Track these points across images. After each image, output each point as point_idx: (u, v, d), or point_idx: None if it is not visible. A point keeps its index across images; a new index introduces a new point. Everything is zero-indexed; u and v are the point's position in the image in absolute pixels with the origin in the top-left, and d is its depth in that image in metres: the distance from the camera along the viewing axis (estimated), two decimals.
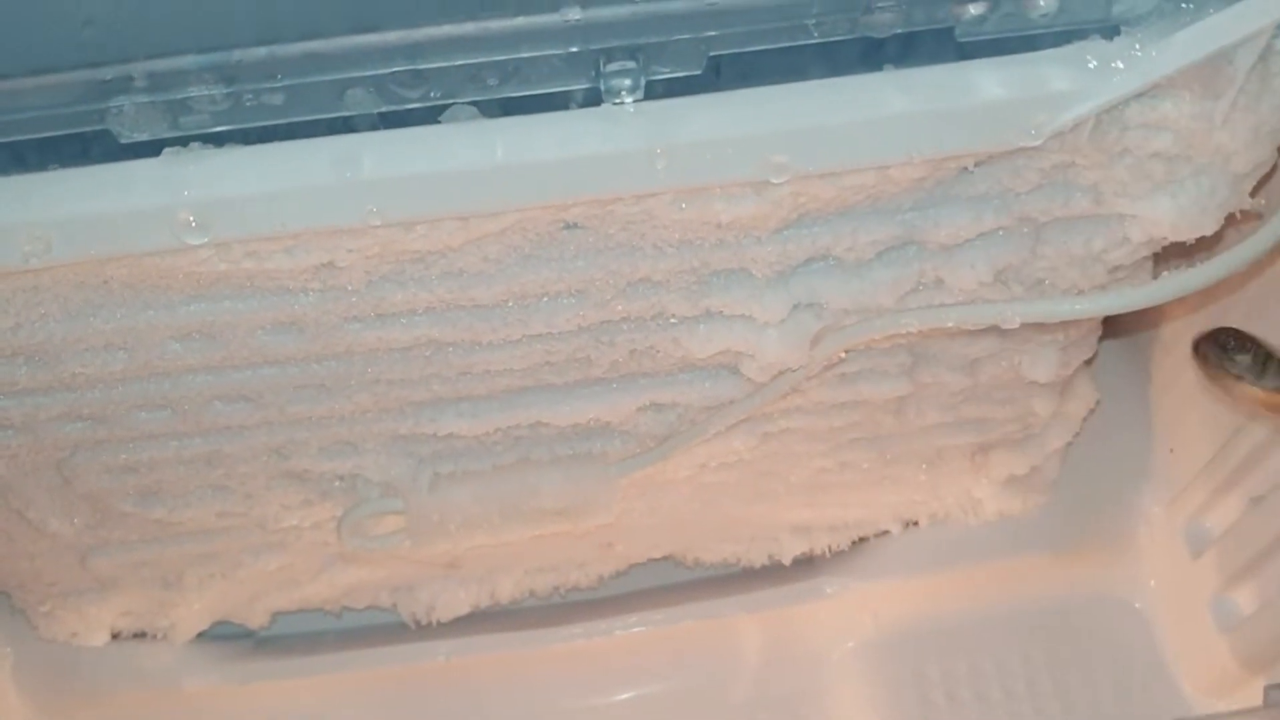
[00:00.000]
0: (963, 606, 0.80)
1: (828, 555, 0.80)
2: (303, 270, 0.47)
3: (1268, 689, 0.58)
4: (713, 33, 0.41)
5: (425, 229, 0.45)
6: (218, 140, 0.42)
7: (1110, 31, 0.43)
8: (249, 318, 0.50)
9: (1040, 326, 0.59)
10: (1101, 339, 0.66)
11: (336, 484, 0.65)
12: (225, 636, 0.81)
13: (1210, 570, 0.74)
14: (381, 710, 0.80)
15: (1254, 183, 0.50)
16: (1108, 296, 0.49)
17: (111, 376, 0.52)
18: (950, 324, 0.51)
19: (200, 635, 0.79)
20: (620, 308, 0.52)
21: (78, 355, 0.51)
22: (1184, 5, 0.42)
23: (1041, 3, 0.42)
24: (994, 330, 0.59)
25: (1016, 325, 0.51)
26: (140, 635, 0.78)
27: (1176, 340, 0.76)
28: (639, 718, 0.79)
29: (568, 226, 0.47)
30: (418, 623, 0.80)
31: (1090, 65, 0.42)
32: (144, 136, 0.42)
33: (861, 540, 0.81)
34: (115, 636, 0.78)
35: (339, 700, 0.80)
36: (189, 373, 0.54)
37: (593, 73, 0.42)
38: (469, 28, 0.40)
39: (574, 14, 0.40)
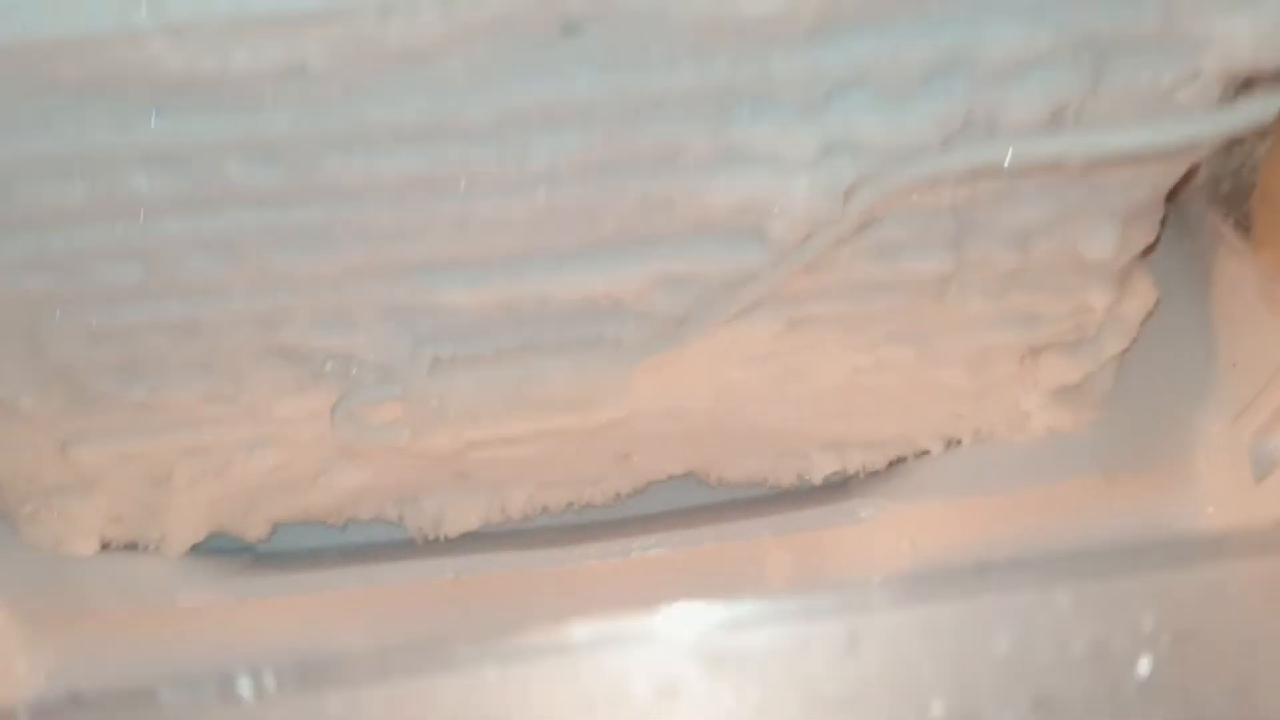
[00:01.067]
0: (1007, 531, 0.74)
1: (862, 475, 0.75)
2: (271, 73, 0.42)
3: None
4: None
5: (402, 18, 0.40)
6: None
7: None
8: (217, 140, 0.46)
9: (1100, 192, 0.54)
10: (1162, 225, 0.60)
11: (329, 366, 0.60)
12: (222, 550, 0.76)
13: (1275, 495, 0.67)
14: (384, 628, 0.75)
15: None
16: (1173, 123, 0.43)
17: (71, 213, 0.48)
18: (1005, 161, 0.46)
19: (196, 549, 0.75)
20: (631, 143, 0.47)
21: (30, 183, 0.46)
22: None
23: None
24: (1049, 193, 0.53)
25: (1078, 164, 0.45)
26: (131, 547, 0.74)
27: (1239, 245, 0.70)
28: None
29: (566, 29, 0.42)
30: (425, 537, 0.75)
31: None
32: None
33: (899, 460, 0.75)
34: (105, 548, 0.74)
35: (340, 617, 0.75)
36: (157, 214, 0.49)
37: None
38: None
39: None
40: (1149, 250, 0.62)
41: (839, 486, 0.75)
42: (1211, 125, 0.43)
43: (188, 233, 0.50)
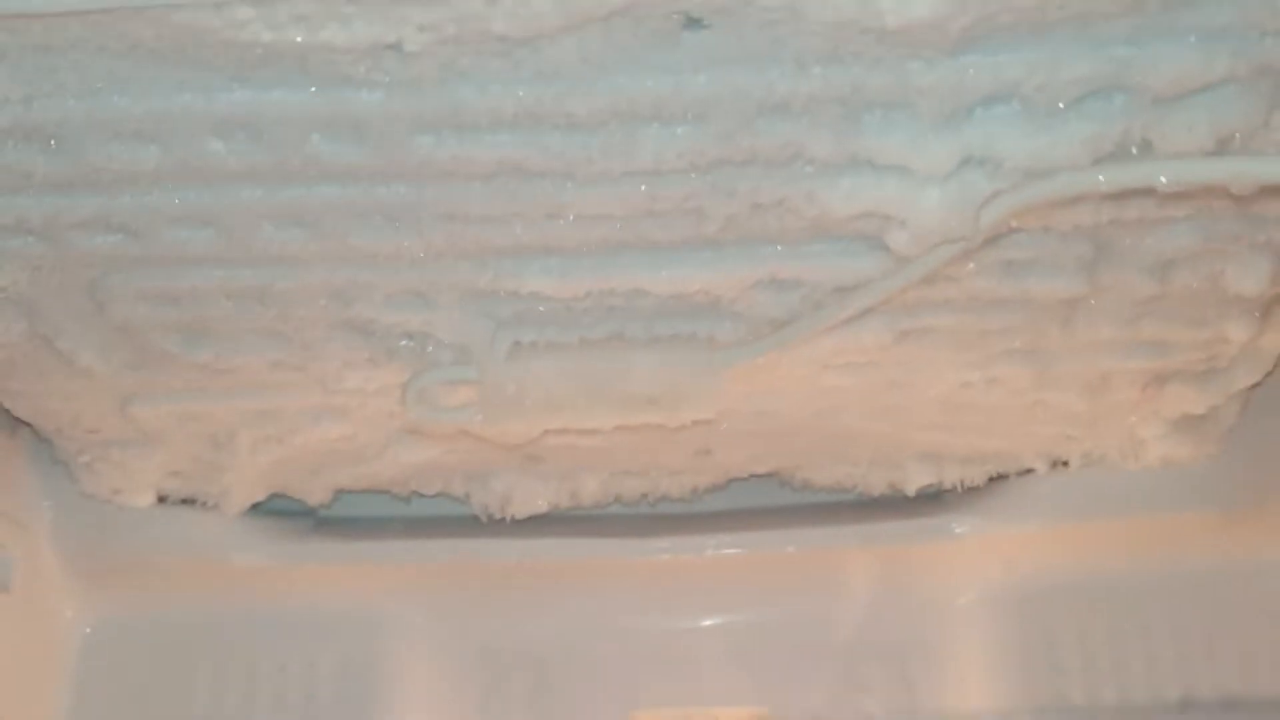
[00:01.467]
0: (1110, 563, 0.70)
1: (959, 490, 0.71)
2: (363, 51, 0.38)
3: None
4: None
5: (512, 3, 0.36)
6: None
7: None
8: (301, 114, 0.42)
9: (1255, 224, 0.49)
10: None
11: (404, 344, 0.57)
12: (282, 512, 0.74)
13: None
14: (440, 607, 0.73)
15: None
16: None
17: (143, 176, 0.45)
18: (1162, 182, 0.41)
19: (256, 508, 0.72)
20: (746, 143, 0.43)
21: (102, 144, 0.43)
22: None
23: None
24: (1200, 222, 0.48)
25: (1249, 190, 0.40)
26: (189, 502, 0.72)
27: None
28: (725, 648, 0.71)
29: (690, 22, 0.38)
30: (490, 517, 0.72)
31: None
32: None
33: (1000, 477, 0.71)
34: (162, 500, 0.72)
35: (396, 590, 0.73)
36: (233, 182, 0.46)
37: None
38: None
39: None
40: None
41: (933, 499, 0.72)
42: None
43: (263, 202, 0.47)
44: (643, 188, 0.46)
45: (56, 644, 0.72)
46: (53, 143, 0.43)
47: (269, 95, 0.41)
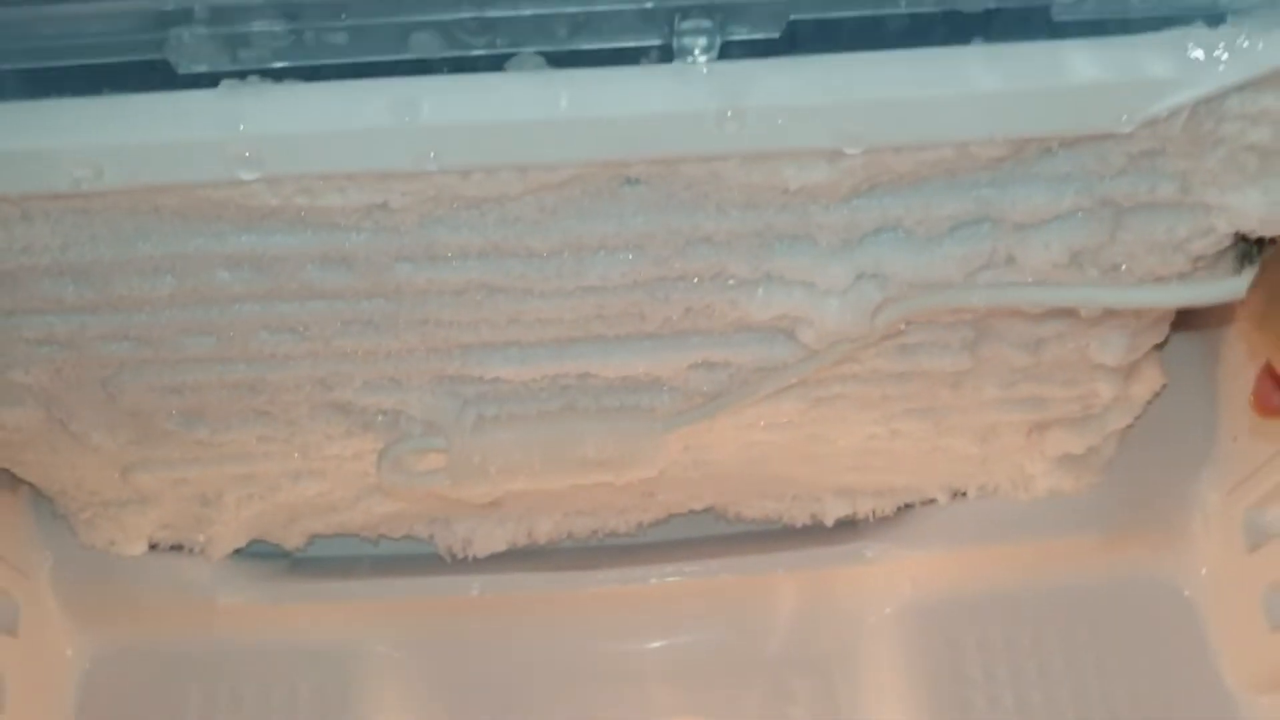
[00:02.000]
0: (1005, 581, 0.78)
1: (871, 519, 0.79)
2: (355, 209, 0.46)
3: None
4: None
5: (482, 177, 0.44)
6: (276, 76, 0.41)
7: (1215, 19, 0.40)
8: (299, 252, 0.49)
9: (1110, 314, 0.57)
10: (1173, 326, 0.64)
11: (379, 418, 0.64)
12: (261, 555, 0.81)
13: (1266, 564, 0.72)
14: (410, 639, 0.80)
15: None
16: (1188, 287, 0.47)
17: (158, 300, 0.52)
18: (1022, 304, 0.49)
19: (236, 552, 0.79)
20: (678, 265, 0.51)
21: (125, 278, 0.50)
22: None
23: None
24: (1064, 310, 0.57)
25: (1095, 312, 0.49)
26: (177, 548, 0.79)
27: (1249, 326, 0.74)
28: (669, 667, 0.79)
29: (629, 182, 0.46)
30: (453, 556, 0.79)
31: (1192, 53, 0.40)
32: (202, 68, 0.41)
33: (906, 507, 0.79)
34: (153, 547, 0.78)
35: (369, 626, 0.80)
36: (236, 301, 0.53)
37: (666, 29, 0.40)
38: None
39: None
40: (1159, 345, 0.65)
41: (848, 528, 0.80)
42: (1226, 290, 0.46)
43: (260, 316, 0.54)
44: (591, 299, 0.53)
45: (59, 681, 0.79)
46: (83, 278, 0.50)
47: (271, 239, 0.48)
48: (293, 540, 0.79)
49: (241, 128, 0.41)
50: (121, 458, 0.67)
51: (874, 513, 0.79)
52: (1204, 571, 0.77)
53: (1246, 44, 0.40)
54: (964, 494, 0.78)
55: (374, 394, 0.61)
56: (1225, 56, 0.40)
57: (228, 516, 0.74)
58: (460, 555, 0.79)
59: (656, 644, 0.79)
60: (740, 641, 0.79)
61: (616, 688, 0.79)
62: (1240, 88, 0.41)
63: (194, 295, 0.52)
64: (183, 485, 0.71)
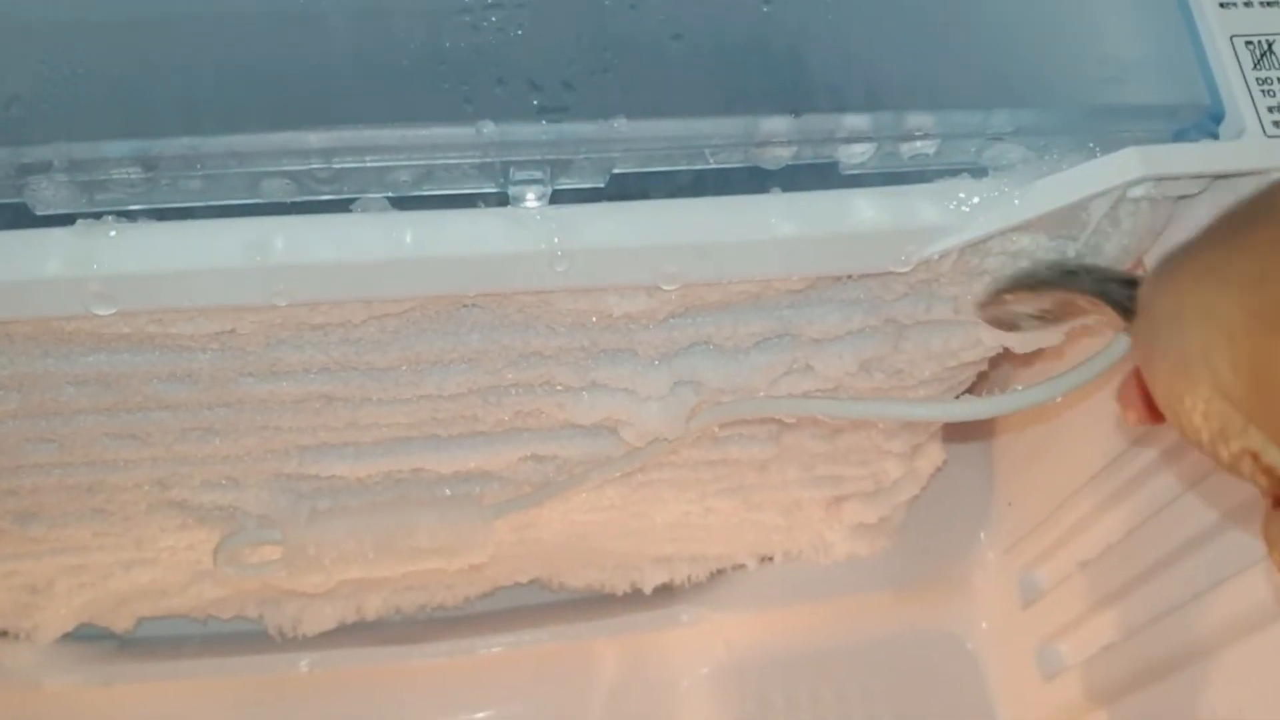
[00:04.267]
0: (809, 638, 0.85)
1: (686, 585, 0.85)
2: (204, 335, 0.48)
3: None
4: (617, 153, 0.44)
5: (329, 307, 0.47)
6: (131, 216, 0.43)
7: (979, 173, 0.47)
8: (145, 370, 0.51)
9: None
10: None
11: (215, 513, 0.66)
12: (89, 637, 0.81)
13: (1038, 620, 0.79)
14: (241, 716, 0.82)
15: None
16: (958, 405, 0.53)
17: (2, 414, 0.53)
18: (817, 415, 0.55)
19: (64, 635, 0.79)
20: (510, 376, 0.55)
21: None
22: (1048, 156, 0.46)
23: (920, 145, 0.46)
24: None
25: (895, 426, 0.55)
26: (1, 634, 0.79)
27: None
28: None
29: (466, 305, 0.49)
30: (282, 635, 0.81)
31: (958, 203, 0.46)
32: (59, 210, 0.43)
33: (719, 572, 0.85)
34: None
35: (199, 705, 0.82)
36: (80, 413, 0.54)
37: (502, 179, 0.44)
38: (387, 134, 0.42)
39: (488, 128, 0.42)
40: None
41: (665, 593, 0.85)
42: (989, 408, 0.52)
43: (103, 426, 0.55)
44: (427, 405, 0.57)
45: None
46: None
47: (119, 359, 0.50)
48: (121, 623, 0.80)
49: (95, 267, 0.43)
50: None
51: (689, 579, 0.84)
52: (984, 625, 0.84)
53: (1005, 195, 0.46)
54: (771, 559, 0.84)
55: (211, 492, 0.63)
56: (987, 206, 0.46)
57: (58, 604, 0.75)
58: (290, 634, 0.81)
59: (483, 714, 0.83)
60: (565, 707, 0.83)
61: None
62: (1001, 233, 0.47)
63: (39, 409, 0.53)
64: (13, 576, 0.71)
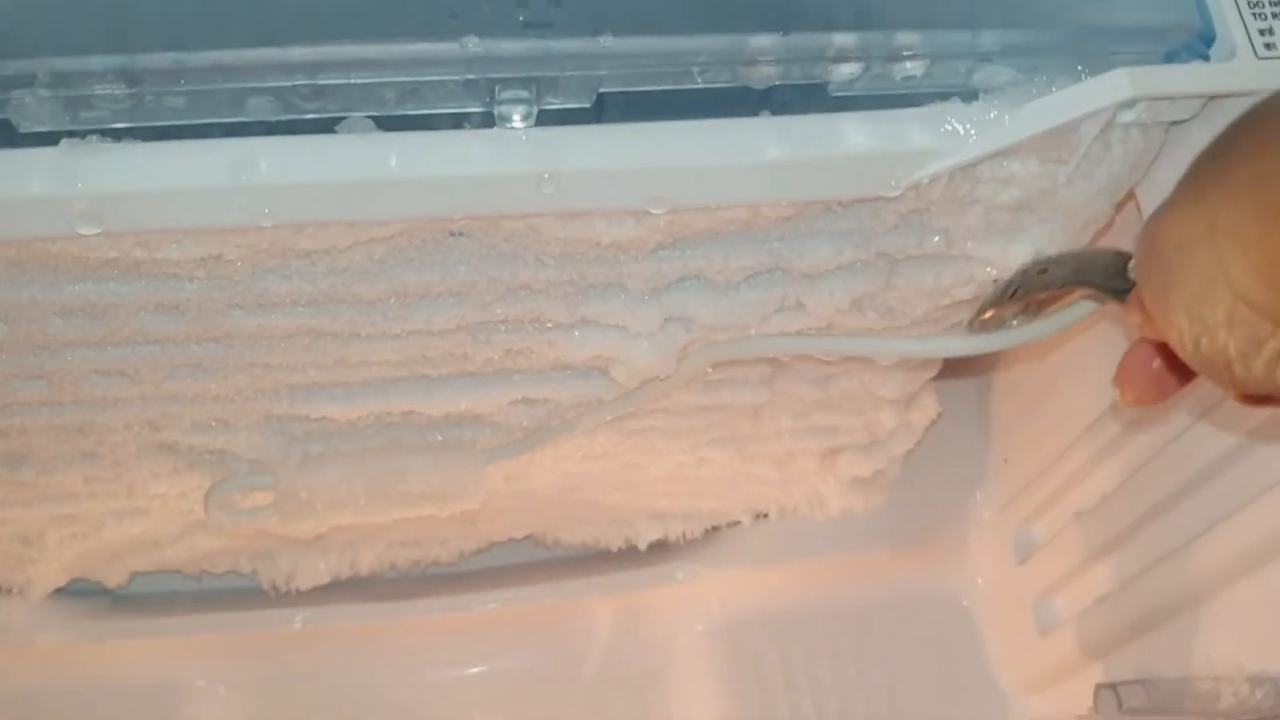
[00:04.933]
0: (804, 596, 0.84)
1: (681, 542, 0.84)
2: (190, 260, 0.48)
3: (1099, 688, 0.63)
4: (603, 71, 0.44)
5: (314, 230, 0.46)
6: (116, 135, 0.43)
7: (969, 96, 0.46)
8: (133, 300, 0.51)
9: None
10: (946, 364, 0.70)
11: (206, 457, 0.66)
12: (81, 593, 0.81)
13: (1034, 576, 0.79)
14: (234, 673, 0.82)
15: (1092, 235, 0.54)
16: (954, 340, 0.53)
17: None
18: (809, 353, 0.55)
19: (56, 591, 0.79)
20: (499, 311, 0.55)
21: None
22: (1037, 79, 0.46)
23: (909, 66, 0.45)
24: None
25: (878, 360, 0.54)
26: None
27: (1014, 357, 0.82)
28: (491, 691, 0.82)
29: (453, 234, 0.49)
30: (276, 590, 0.81)
31: (948, 126, 0.46)
32: (43, 128, 0.43)
33: (714, 529, 0.85)
34: None
35: (192, 661, 0.82)
36: (68, 347, 0.54)
37: (487, 98, 0.44)
38: (371, 49, 0.42)
39: (473, 44, 0.42)
40: (933, 377, 0.72)
41: (660, 550, 0.85)
42: (985, 343, 0.52)
43: (91, 361, 0.55)
44: (416, 342, 0.56)
45: None
46: None
47: (105, 287, 0.50)
48: (114, 578, 0.80)
49: (80, 186, 0.43)
50: None
51: (684, 535, 0.84)
52: (980, 582, 0.84)
53: (995, 118, 0.46)
54: (765, 515, 0.84)
55: (202, 434, 0.63)
56: (976, 130, 0.46)
57: (49, 556, 0.74)
58: (284, 589, 0.81)
59: (477, 669, 0.83)
60: (559, 664, 0.83)
61: (439, 714, 0.82)
62: (991, 156, 0.47)
63: (26, 342, 0.53)
64: (4, 526, 0.71)
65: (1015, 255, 0.54)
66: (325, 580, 0.81)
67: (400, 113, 0.45)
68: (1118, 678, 0.68)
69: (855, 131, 0.46)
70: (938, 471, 0.84)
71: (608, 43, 0.43)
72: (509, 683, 0.82)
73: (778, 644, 0.84)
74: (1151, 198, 0.52)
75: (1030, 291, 0.52)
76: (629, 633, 0.84)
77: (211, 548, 0.77)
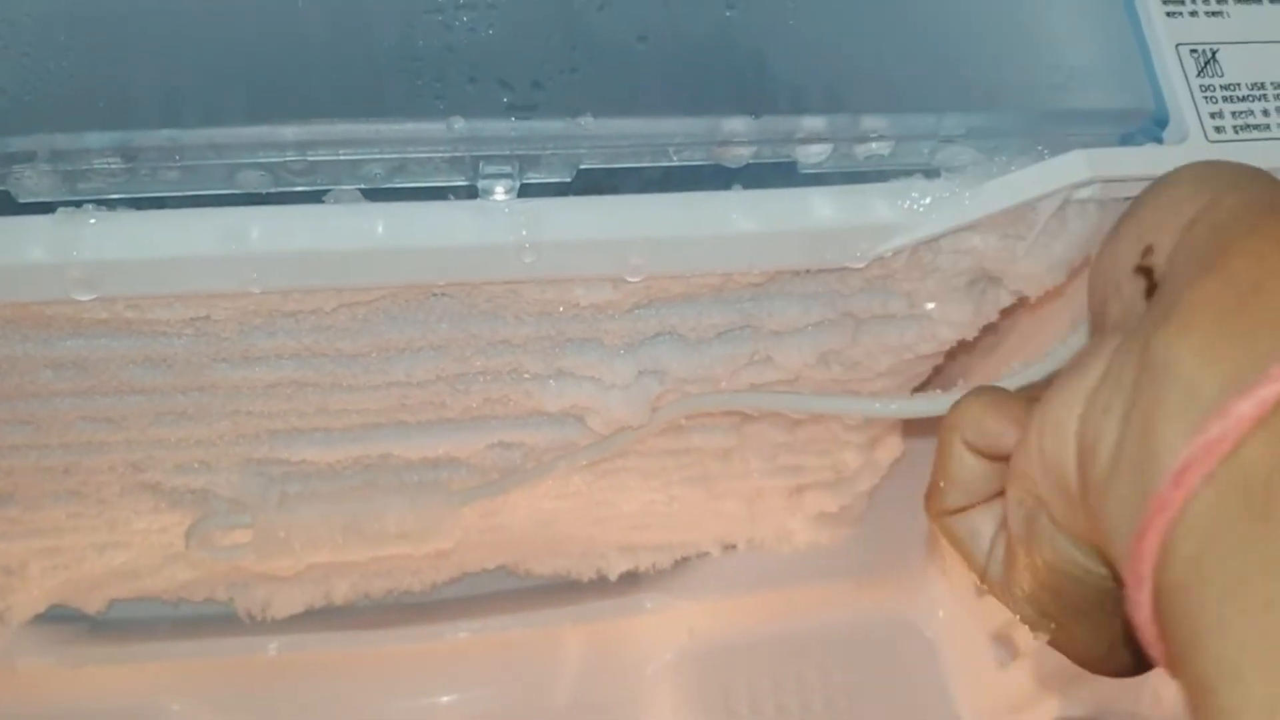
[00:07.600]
0: (771, 626, 0.86)
1: (651, 572, 0.86)
2: (179, 320, 0.49)
3: None
4: (583, 150, 0.45)
5: (301, 294, 0.48)
6: (111, 205, 0.45)
7: (932, 174, 0.48)
8: (122, 354, 0.52)
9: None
10: None
11: (187, 496, 0.67)
12: (61, 618, 0.82)
13: (993, 608, 0.81)
14: (210, 697, 0.83)
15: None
16: (914, 402, 0.55)
17: None
18: (776, 410, 0.57)
19: (36, 616, 0.80)
20: (478, 363, 0.56)
21: None
22: (998, 159, 0.48)
23: (875, 146, 0.47)
24: None
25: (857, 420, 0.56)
26: None
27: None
28: (462, 719, 0.84)
29: (435, 294, 0.51)
30: (251, 617, 0.82)
31: (911, 202, 0.48)
32: (42, 199, 0.44)
33: (683, 560, 0.86)
34: None
35: (169, 686, 0.83)
36: (56, 396, 0.56)
37: (471, 173, 0.46)
38: (361, 128, 0.44)
39: (459, 124, 0.44)
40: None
41: (630, 580, 0.86)
42: (943, 404, 0.54)
43: (79, 409, 0.57)
44: (396, 391, 0.58)
45: None
46: None
47: (96, 343, 0.51)
48: (94, 605, 0.81)
49: (75, 254, 0.45)
50: None
51: (654, 566, 0.85)
52: (941, 614, 0.86)
53: (956, 196, 0.48)
54: (734, 547, 0.86)
55: (184, 475, 0.65)
56: (939, 206, 0.48)
57: (31, 584, 0.76)
58: (259, 617, 0.82)
59: (449, 698, 0.84)
60: (530, 693, 0.85)
61: None
62: (952, 231, 0.49)
63: (15, 391, 0.54)
64: None
65: (973, 318, 0.56)
66: (300, 609, 0.82)
67: (387, 186, 0.46)
68: (1074, 712, 0.71)
69: (823, 205, 0.48)
70: (902, 505, 0.86)
71: (588, 124, 0.45)
72: (480, 711, 0.84)
73: (746, 672, 0.86)
74: None
75: None
76: (599, 662, 0.85)
77: (190, 578, 0.78)
